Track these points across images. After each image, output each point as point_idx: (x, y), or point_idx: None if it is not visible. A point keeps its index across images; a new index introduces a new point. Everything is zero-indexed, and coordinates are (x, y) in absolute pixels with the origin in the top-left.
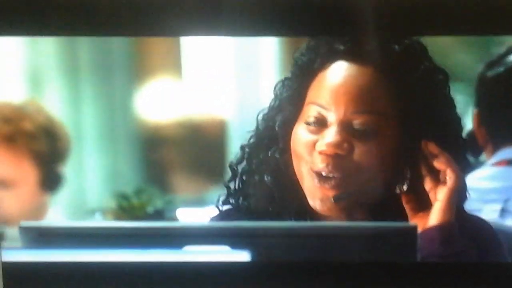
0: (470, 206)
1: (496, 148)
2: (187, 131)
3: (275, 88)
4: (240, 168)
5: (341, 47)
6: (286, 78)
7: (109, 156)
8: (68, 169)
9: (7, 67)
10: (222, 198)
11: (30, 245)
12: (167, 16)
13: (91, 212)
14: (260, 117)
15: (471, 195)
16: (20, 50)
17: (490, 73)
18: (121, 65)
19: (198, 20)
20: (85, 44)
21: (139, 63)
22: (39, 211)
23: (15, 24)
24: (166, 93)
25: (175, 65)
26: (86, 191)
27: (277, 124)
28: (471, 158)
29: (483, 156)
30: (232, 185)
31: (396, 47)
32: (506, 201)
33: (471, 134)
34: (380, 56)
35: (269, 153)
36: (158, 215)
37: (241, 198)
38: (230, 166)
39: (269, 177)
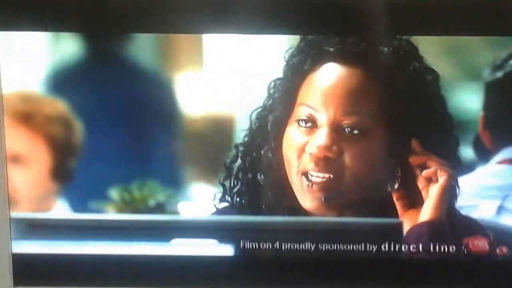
0: (469, 201)
1: (499, 147)
2: (210, 126)
3: (269, 87)
4: (235, 166)
5: (330, 49)
6: (278, 78)
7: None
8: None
9: (32, 62)
10: (218, 196)
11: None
12: (189, 14)
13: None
14: (253, 115)
15: (471, 191)
16: (45, 45)
17: (493, 76)
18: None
19: (218, 18)
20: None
21: (163, 59)
22: (46, 200)
23: (42, 20)
24: (189, 89)
25: (198, 62)
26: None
27: (269, 124)
28: (475, 157)
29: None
30: (227, 183)
31: (385, 48)
32: (504, 198)
33: (478, 135)
34: (369, 58)
35: (262, 152)
36: (160, 208)
37: (235, 196)
38: (225, 165)
39: (262, 176)
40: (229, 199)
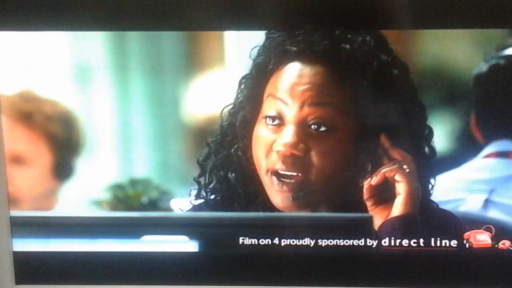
0: (456, 195)
1: (487, 141)
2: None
3: (239, 83)
4: (208, 163)
5: (294, 48)
6: (245, 77)
7: (159, 152)
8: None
9: (55, 62)
10: (194, 193)
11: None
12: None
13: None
14: (224, 112)
15: (459, 185)
16: (69, 45)
17: (481, 70)
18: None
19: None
20: (134, 39)
21: (188, 58)
22: (48, 198)
23: (64, 19)
24: (214, 88)
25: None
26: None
27: (238, 122)
28: (464, 151)
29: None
30: (202, 180)
31: (347, 45)
32: (491, 191)
33: (469, 130)
34: (332, 55)
35: (232, 150)
36: (153, 205)
37: (210, 193)
38: (198, 162)
39: (233, 174)
40: (204, 195)
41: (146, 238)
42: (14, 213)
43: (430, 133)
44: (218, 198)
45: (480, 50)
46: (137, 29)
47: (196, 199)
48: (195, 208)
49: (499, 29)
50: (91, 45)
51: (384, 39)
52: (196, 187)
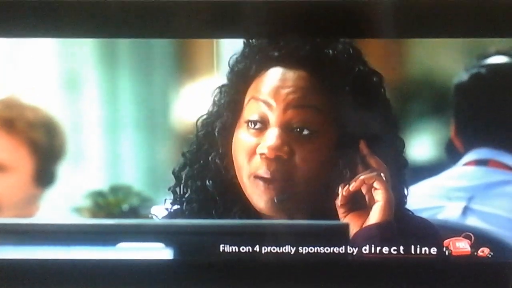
0: (435, 203)
1: (467, 149)
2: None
3: (212, 94)
4: (183, 174)
5: (275, 54)
6: (223, 85)
7: (148, 156)
8: (106, 167)
9: (43, 68)
10: (169, 201)
11: None
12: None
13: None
14: (199, 122)
15: (438, 193)
16: (57, 51)
17: (461, 79)
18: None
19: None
20: (124, 45)
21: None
22: (29, 205)
23: (53, 26)
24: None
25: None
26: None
27: (216, 129)
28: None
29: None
30: (177, 190)
31: (330, 51)
32: (470, 199)
33: (449, 139)
34: (314, 61)
35: (210, 158)
36: (133, 212)
37: (185, 203)
38: (173, 173)
39: (210, 182)
40: (179, 205)
41: (122, 245)
42: None
43: (401, 144)
44: (194, 206)
45: (461, 59)
46: (121, 36)
47: (172, 206)
48: (170, 214)
49: (481, 39)
50: (76, 52)
51: (359, 50)
52: (172, 196)
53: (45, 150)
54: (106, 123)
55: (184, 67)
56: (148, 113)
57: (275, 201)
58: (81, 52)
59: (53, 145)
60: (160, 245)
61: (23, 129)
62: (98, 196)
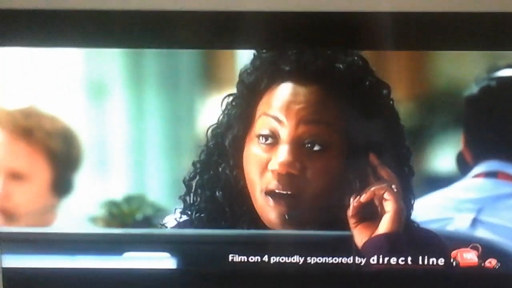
0: (445, 214)
1: (476, 161)
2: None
3: (222, 103)
4: (193, 183)
5: (287, 68)
6: (233, 95)
7: (174, 168)
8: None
9: (71, 79)
10: (179, 211)
11: None
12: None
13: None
14: (209, 133)
15: (448, 204)
16: (84, 61)
17: (472, 92)
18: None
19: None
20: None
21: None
22: (47, 214)
23: (81, 36)
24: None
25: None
26: (151, 200)
27: (227, 141)
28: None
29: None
30: (188, 199)
31: (340, 65)
32: (478, 211)
33: (460, 152)
34: (325, 75)
35: (220, 169)
36: (147, 222)
37: (195, 212)
38: (184, 182)
39: (220, 193)
40: (189, 214)
41: (130, 254)
42: (3, 229)
43: (408, 153)
44: (202, 216)
45: (472, 72)
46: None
47: (181, 216)
48: (179, 225)
49: (491, 51)
50: (98, 62)
51: (366, 61)
52: (182, 205)
53: (62, 159)
54: (129, 136)
55: (210, 78)
56: (169, 124)
57: (286, 217)
58: (103, 62)
59: (71, 155)
60: (169, 255)
61: (41, 139)
62: (112, 206)
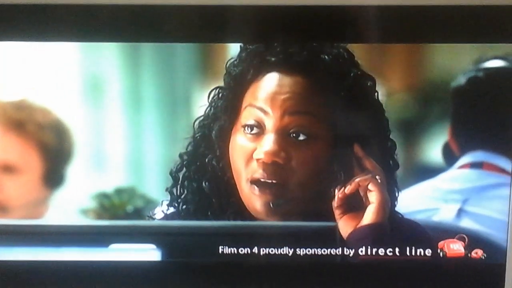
0: (431, 205)
1: (462, 152)
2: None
3: (209, 96)
4: (180, 175)
5: (273, 59)
6: (220, 87)
7: (166, 160)
8: (131, 173)
9: (67, 73)
10: (166, 203)
11: None
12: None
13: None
14: (196, 124)
15: (434, 195)
16: (76, 55)
17: (458, 83)
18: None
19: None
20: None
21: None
22: (38, 206)
23: (74, 30)
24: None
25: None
26: (142, 192)
27: (213, 133)
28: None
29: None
30: (174, 191)
31: (325, 57)
32: (464, 201)
33: (446, 143)
34: (311, 66)
35: (206, 160)
36: (138, 214)
37: (182, 204)
38: (171, 174)
39: (206, 183)
40: (176, 206)
41: (116, 246)
42: None
43: (393, 146)
44: (189, 207)
45: (458, 64)
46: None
47: (168, 209)
48: (166, 217)
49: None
50: (89, 56)
51: (352, 54)
52: (169, 197)
53: (54, 152)
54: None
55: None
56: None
57: (271, 205)
58: (94, 56)
59: (63, 147)
60: (155, 246)
61: (33, 131)
62: (103, 198)
